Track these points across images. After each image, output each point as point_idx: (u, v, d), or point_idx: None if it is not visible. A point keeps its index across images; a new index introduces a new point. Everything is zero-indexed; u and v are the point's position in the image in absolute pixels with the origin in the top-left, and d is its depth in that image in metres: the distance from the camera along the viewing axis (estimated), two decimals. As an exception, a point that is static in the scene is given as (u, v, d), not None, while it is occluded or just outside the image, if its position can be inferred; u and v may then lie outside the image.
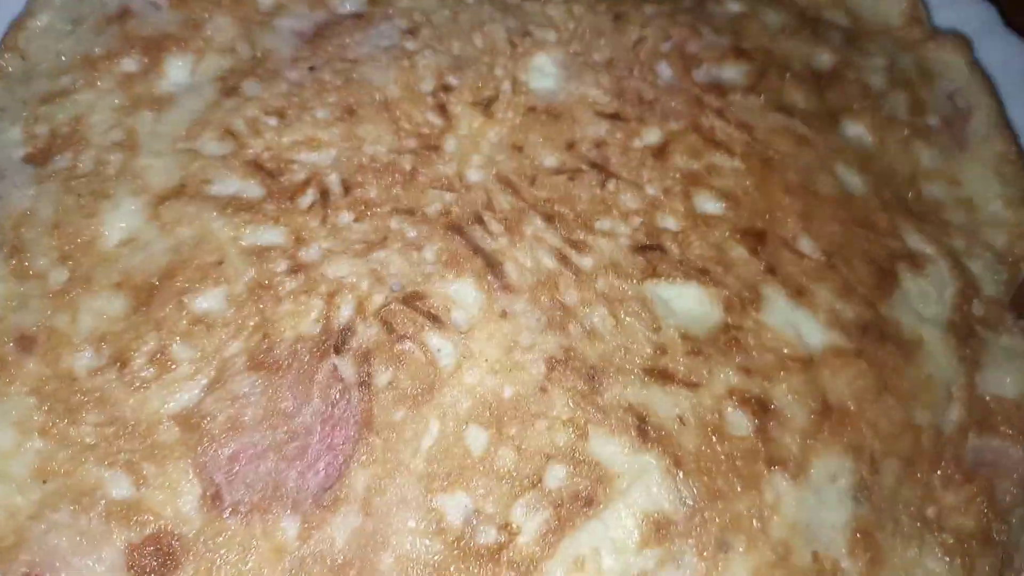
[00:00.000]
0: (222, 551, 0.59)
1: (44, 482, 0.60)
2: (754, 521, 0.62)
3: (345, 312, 0.65)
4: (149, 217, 0.69)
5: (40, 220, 0.69)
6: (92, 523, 0.59)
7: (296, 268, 0.67)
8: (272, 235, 0.69)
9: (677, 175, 0.73)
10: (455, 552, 0.60)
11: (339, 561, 0.60)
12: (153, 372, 0.63)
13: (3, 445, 0.61)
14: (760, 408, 0.64)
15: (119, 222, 0.69)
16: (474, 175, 0.72)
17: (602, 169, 0.73)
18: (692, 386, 0.65)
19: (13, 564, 0.57)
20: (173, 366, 0.63)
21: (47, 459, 0.61)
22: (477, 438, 0.63)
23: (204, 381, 0.63)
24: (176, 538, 0.59)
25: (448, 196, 0.71)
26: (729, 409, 0.64)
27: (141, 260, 0.68)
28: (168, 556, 0.58)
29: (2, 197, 0.71)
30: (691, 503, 0.61)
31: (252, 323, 0.65)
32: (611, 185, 0.72)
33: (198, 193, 0.70)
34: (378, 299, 0.66)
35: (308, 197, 0.70)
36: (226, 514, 0.60)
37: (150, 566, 0.58)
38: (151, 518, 0.59)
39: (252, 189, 0.71)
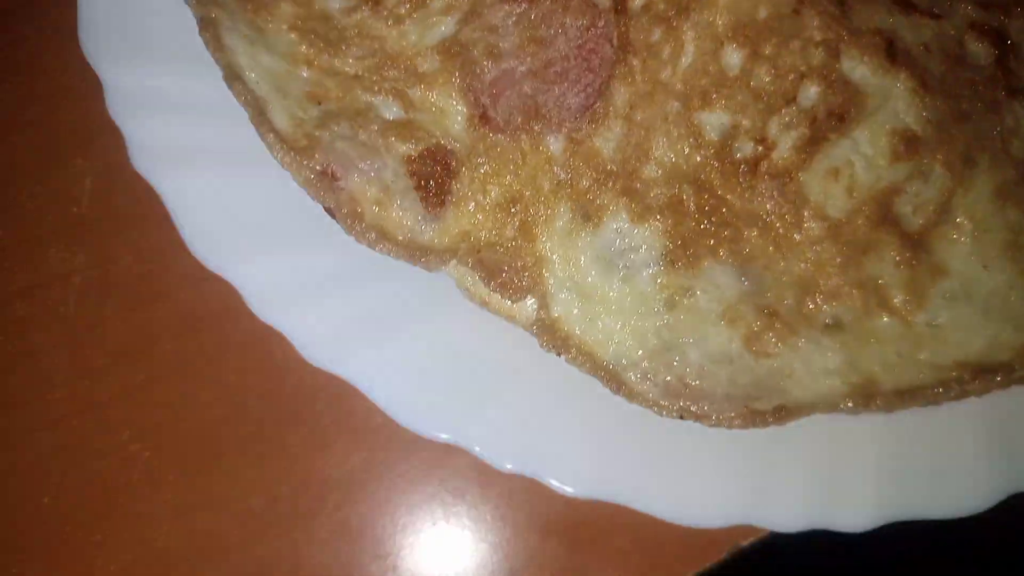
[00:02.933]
0: (495, 162, 0.65)
1: (319, 103, 0.65)
2: (997, 141, 0.66)
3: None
4: None
5: None
6: (371, 137, 0.64)
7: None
8: None
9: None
10: (715, 163, 0.66)
11: (606, 168, 0.65)
12: (407, 8, 0.67)
13: (277, 69, 0.65)
14: (999, 39, 0.69)
15: None
16: None
17: None
18: (935, 17, 0.68)
19: (310, 162, 0.63)
20: (426, 0, 0.67)
21: (316, 86, 0.65)
22: (732, 57, 0.66)
23: (458, 14, 0.67)
24: (450, 152, 0.64)
25: None
26: (969, 39, 0.68)
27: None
28: (445, 165, 0.64)
29: None
30: (937, 122, 0.65)
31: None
32: None
33: None
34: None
35: None
36: (495, 132, 0.65)
37: (431, 173, 0.64)
38: (424, 135, 0.65)
39: None
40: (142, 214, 0.78)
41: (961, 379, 0.66)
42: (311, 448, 0.75)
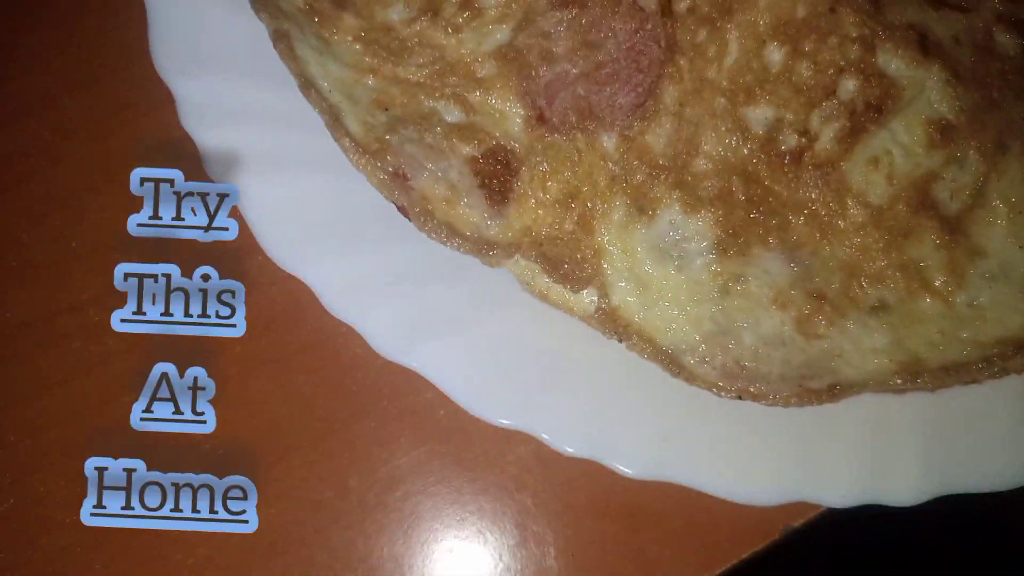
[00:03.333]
0: (553, 161, 0.68)
1: (386, 109, 0.68)
2: None
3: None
4: None
5: None
6: (435, 140, 0.67)
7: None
8: None
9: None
10: (762, 156, 0.69)
11: (658, 163, 0.69)
12: (465, 18, 0.69)
13: (345, 77, 0.69)
14: (1025, 30, 0.69)
15: None
16: None
17: None
18: (964, 11, 0.70)
19: (382, 163, 0.67)
20: (481, 10, 0.70)
21: (382, 93, 0.69)
22: (774, 55, 0.70)
23: (513, 22, 0.69)
24: (510, 152, 0.68)
25: None
26: (998, 31, 0.71)
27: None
28: (506, 165, 0.68)
29: None
30: (970, 111, 0.68)
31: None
32: None
33: None
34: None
35: None
36: (551, 132, 0.68)
37: (493, 172, 0.68)
38: (485, 137, 0.68)
39: None
40: (208, 223, 0.81)
41: (1003, 355, 0.68)
42: (377, 442, 0.78)
